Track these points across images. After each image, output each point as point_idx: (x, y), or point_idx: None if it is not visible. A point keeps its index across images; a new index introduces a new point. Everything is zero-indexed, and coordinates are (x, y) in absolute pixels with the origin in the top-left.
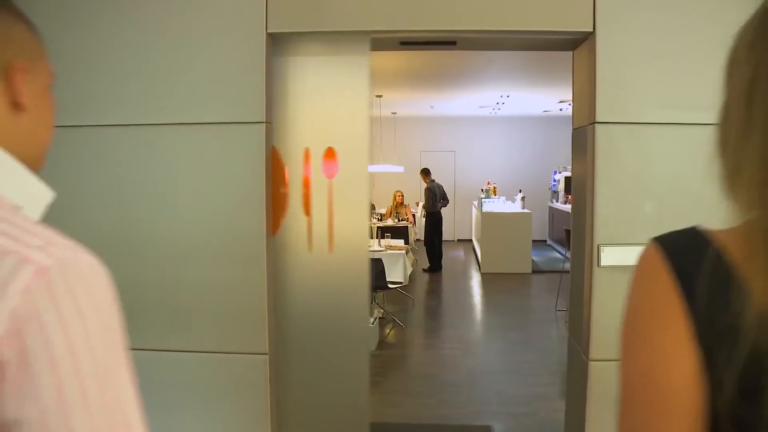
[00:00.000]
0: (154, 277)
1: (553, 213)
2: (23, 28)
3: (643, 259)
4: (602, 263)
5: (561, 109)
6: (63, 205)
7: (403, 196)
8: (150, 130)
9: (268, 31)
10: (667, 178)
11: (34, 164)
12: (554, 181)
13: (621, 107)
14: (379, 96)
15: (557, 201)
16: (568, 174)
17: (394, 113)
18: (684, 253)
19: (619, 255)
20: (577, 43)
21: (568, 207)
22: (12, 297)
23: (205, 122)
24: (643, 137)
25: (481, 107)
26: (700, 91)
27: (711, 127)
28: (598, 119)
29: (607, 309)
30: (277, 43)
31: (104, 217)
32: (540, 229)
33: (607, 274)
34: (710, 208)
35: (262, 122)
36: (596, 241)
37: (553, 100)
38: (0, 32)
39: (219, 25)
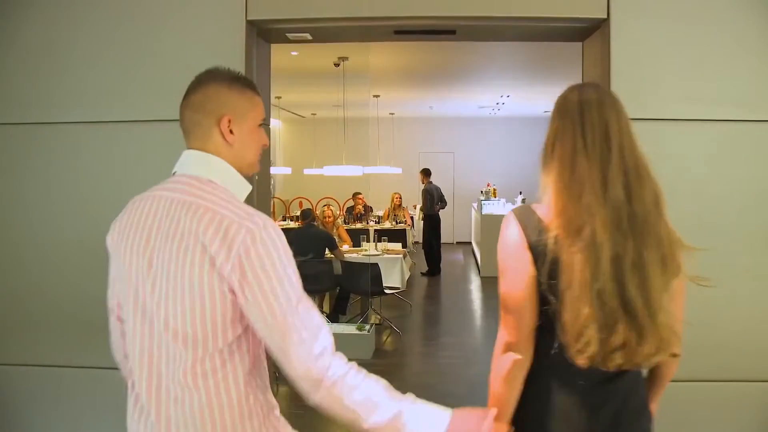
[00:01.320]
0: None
1: None
2: (234, 94)
3: (506, 221)
4: None
5: None
6: (27, 207)
7: (401, 198)
8: (119, 128)
9: (248, 18)
10: (689, 181)
11: (244, 172)
12: None
13: (638, 102)
14: (377, 96)
15: None
16: None
17: (392, 114)
18: (525, 216)
19: None
20: (588, 32)
21: None
22: (237, 247)
23: (179, 119)
24: (662, 135)
25: (481, 108)
26: (725, 83)
27: (738, 123)
28: None
29: None
30: (259, 32)
31: (71, 222)
32: None
33: None
34: (737, 213)
35: None
36: None
37: (553, 100)
38: (217, 98)
39: (194, 12)
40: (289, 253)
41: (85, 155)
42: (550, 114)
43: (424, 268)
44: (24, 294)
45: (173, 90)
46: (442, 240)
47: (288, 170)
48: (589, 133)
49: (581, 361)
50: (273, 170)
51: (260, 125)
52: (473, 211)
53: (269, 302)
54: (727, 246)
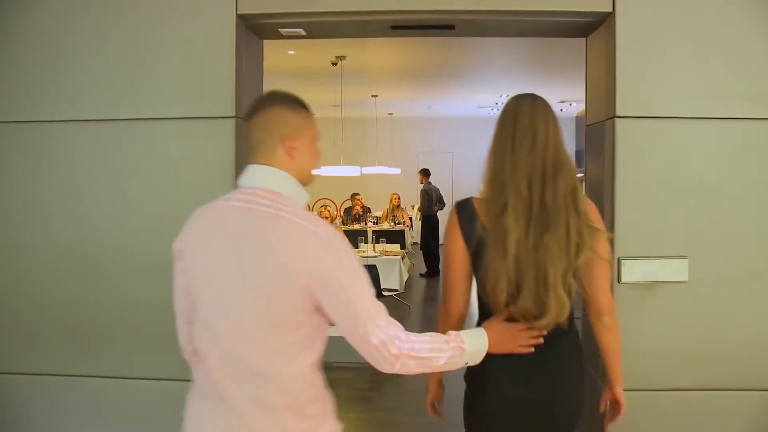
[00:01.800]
0: (111, 296)
1: None
2: (293, 115)
3: (450, 211)
4: (624, 279)
5: (562, 110)
6: (17, 208)
7: (399, 198)
8: (105, 126)
9: (239, 12)
10: (698, 181)
11: (303, 182)
12: None
13: (644, 99)
14: (375, 96)
15: None
16: None
17: (391, 114)
18: (462, 207)
19: (643, 269)
20: (593, 27)
21: None
22: (310, 252)
23: (167, 117)
24: (670, 133)
25: (480, 107)
26: (734, 80)
27: (749, 121)
28: (618, 113)
29: (630, 332)
30: (249, 27)
31: (55, 225)
32: None
33: (630, 292)
34: (746, 214)
35: (232, 117)
36: (617, 254)
37: (553, 100)
38: (278, 119)
39: (183, 8)
40: (352, 251)
41: (77, 154)
42: None
43: (423, 269)
44: (12, 299)
45: (165, 87)
46: (441, 241)
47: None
48: (518, 137)
49: (494, 313)
50: None
51: (315, 140)
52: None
53: (347, 297)
54: (740, 251)
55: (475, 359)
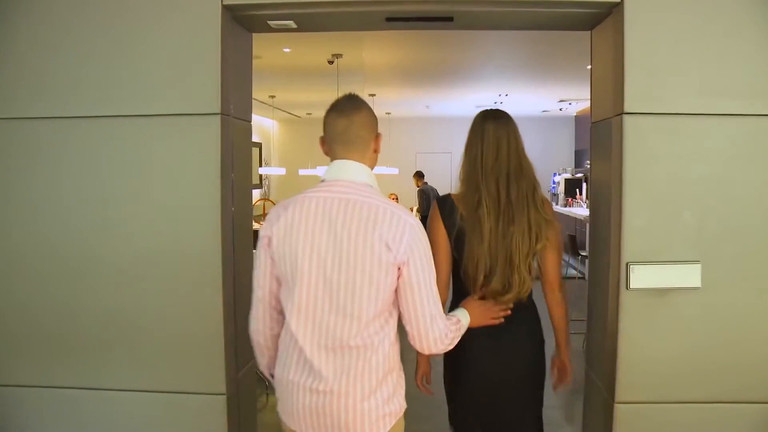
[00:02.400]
0: (89, 303)
1: None
2: (374, 115)
3: (432, 205)
4: (632, 285)
5: (561, 109)
6: None
7: (397, 199)
8: (83, 123)
9: (224, 2)
10: (712, 181)
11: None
12: (554, 183)
13: (654, 95)
14: (372, 95)
15: (557, 204)
16: (568, 176)
17: (389, 113)
18: (442, 201)
19: (652, 275)
20: (599, 19)
21: (568, 210)
22: (406, 236)
23: (148, 114)
24: (682, 131)
25: (478, 107)
26: (749, 75)
27: (763, 118)
28: (626, 109)
29: (639, 342)
30: (236, 18)
31: (34, 227)
32: None
33: (639, 299)
34: (763, 216)
35: (217, 114)
36: (624, 259)
37: (552, 99)
38: (372, 119)
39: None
40: (428, 243)
41: (56, 154)
42: (547, 113)
43: None
44: None
45: (147, 83)
46: None
47: (282, 171)
48: (485, 149)
49: (469, 294)
50: (267, 171)
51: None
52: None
53: (425, 278)
54: (757, 255)
55: (462, 333)
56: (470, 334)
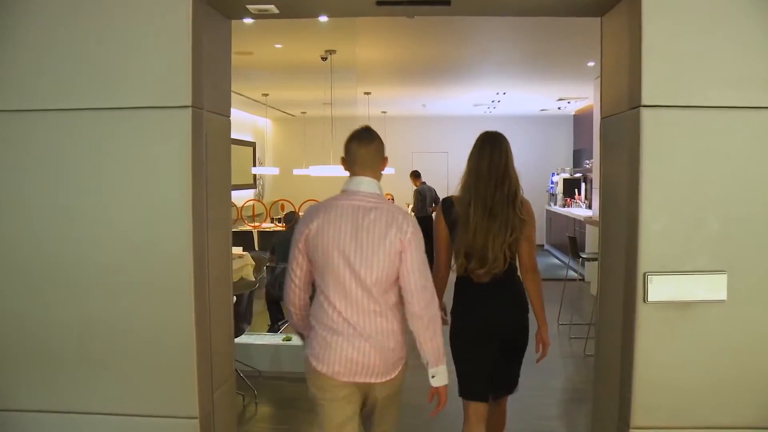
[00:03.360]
0: (51, 315)
1: (551, 217)
2: (383, 145)
3: (438, 204)
4: (650, 298)
5: (559, 108)
6: None
7: (393, 199)
8: (44, 117)
9: None
10: (738, 181)
11: None
12: (552, 183)
13: (675, 86)
14: (368, 93)
15: (555, 204)
16: (567, 176)
17: (384, 112)
18: (445, 201)
19: (673, 287)
20: (611, 3)
21: (567, 210)
22: (409, 230)
23: (114, 107)
24: (705, 125)
25: (476, 105)
26: None
27: None
28: (644, 102)
29: (658, 360)
30: (211, 2)
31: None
32: (537, 233)
33: (658, 314)
34: None
35: (188, 107)
36: (642, 268)
37: (551, 98)
38: (381, 147)
39: None
40: (421, 235)
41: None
42: (545, 112)
43: None
44: None
45: (113, 73)
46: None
47: (275, 170)
48: (481, 159)
49: (460, 273)
50: (260, 171)
51: None
52: None
53: (419, 259)
54: None
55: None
56: (469, 301)
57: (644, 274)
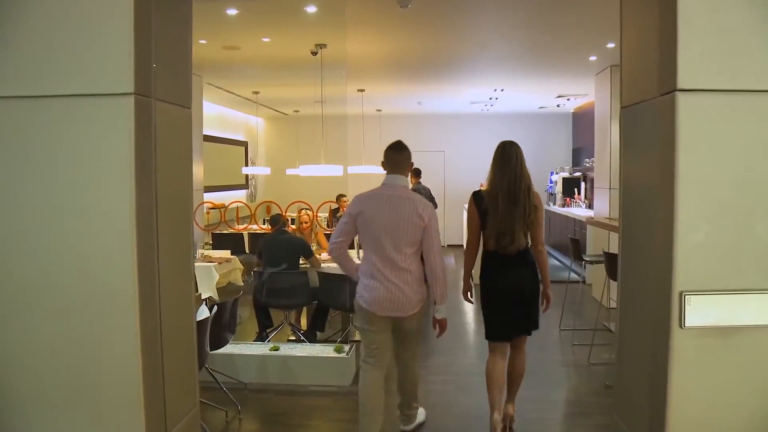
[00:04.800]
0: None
1: (550, 217)
2: (410, 154)
3: (470, 197)
4: (688, 323)
5: (558, 105)
6: None
7: None
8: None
9: None
10: None
11: None
12: (551, 182)
13: (719, 66)
14: (362, 90)
15: (554, 204)
16: (566, 175)
17: (379, 110)
18: (476, 193)
19: (714, 309)
20: None
21: (567, 210)
22: (429, 213)
23: (48, 95)
24: (754, 113)
25: (473, 103)
26: None
27: None
28: (680, 86)
29: (696, 395)
30: None
31: None
32: None
33: (696, 341)
34: None
35: (130, 94)
36: (678, 287)
37: (550, 95)
38: (409, 156)
39: None
40: (436, 218)
41: None
42: (544, 110)
43: None
44: None
45: (40, 56)
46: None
47: (267, 170)
48: (502, 162)
49: (490, 248)
50: (251, 170)
51: None
52: (464, 213)
53: (435, 234)
54: None
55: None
56: (496, 268)
57: (681, 294)
